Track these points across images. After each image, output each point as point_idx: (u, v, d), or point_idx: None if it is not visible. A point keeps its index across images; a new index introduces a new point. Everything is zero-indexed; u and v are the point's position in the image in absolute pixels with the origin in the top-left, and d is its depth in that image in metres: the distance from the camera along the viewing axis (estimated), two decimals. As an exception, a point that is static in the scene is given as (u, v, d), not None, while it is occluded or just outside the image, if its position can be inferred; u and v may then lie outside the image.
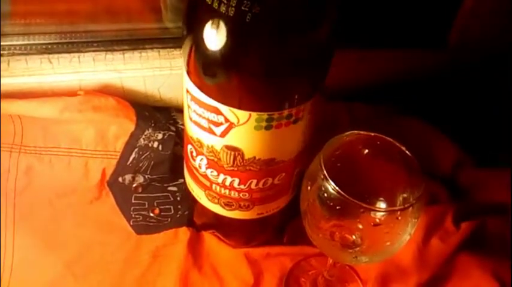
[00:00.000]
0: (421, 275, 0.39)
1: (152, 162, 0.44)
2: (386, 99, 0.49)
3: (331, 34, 0.30)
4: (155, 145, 0.44)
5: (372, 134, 0.31)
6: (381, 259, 0.32)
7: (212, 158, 0.33)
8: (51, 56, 0.45)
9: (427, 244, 0.40)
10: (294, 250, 0.42)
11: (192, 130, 0.33)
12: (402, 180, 0.31)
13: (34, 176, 0.43)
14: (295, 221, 0.41)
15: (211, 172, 0.34)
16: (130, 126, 0.45)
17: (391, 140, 0.31)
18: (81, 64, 0.45)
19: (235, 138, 0.31)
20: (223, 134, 0.31)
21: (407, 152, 0.30)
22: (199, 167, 0.35)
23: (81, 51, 0.45)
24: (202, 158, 0.34)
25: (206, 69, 0.28)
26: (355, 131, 0.31)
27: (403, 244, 0.31)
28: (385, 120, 0.48)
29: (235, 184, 0.34)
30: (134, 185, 0.44)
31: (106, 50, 0.45)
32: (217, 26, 0.26)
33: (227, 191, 0.35)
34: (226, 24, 0.26)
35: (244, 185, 0.34)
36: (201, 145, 0.33)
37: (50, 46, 0.45)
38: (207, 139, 0.32)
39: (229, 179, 0.34)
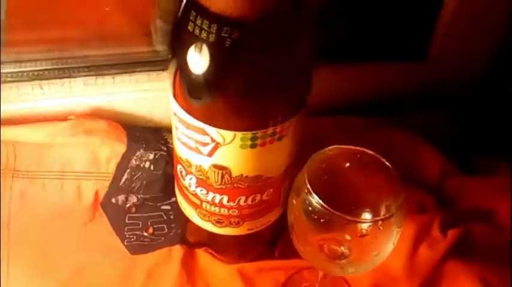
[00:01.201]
0: (411, 284, 0.40)
1: (144, 182, 0.45)
2: (373, 112, 0.51)
3: (311, 53, 0.31)
4: (147, 165, 0.45)
5: (353, 147, 0.32)
6: (366, 270, 0.33)
7: (201, 177, 0.34)
8: (42, 82, 0.46)
9: (416, 252, 0.41)
10: (287, 263, 0.42)
11: (180, 151, 0.34)
12: (385, 190, 0.32)
13: (28, 200, 0.44)
14: (286, 235, 0.42)
15: (201, 190, 0.35)
16: (122, 148, 0.46)
17: (372, 152, 0.32)
18: (72, 89, 0.47)
19: (222, 157, 0.32)
20: (210, 153, 0.32)
21: (387, 163, 0.31)
22: (189, 186, 0.35)
23: (72, 77, 0.46)
24: (191, 177, 0.35)
25: (190, 92, 0.30)
26: (338, 146, 0.32)
27: (387, 253, 0.32)
28: (373, 132, 0.50)
29: (225, 202, 0.35)
30: (128, 206, 0.45)
31: (96, 75, 0.46)
32: (200, 52, 0.28)
33: (217, 209, 0.36)
34: (207, 49, 0.27)
35: (234, 203, 0.35)
36: (190, 165, 0.34)
37: (41, 72, 0.46)
38: (195, 159, 0.33)
39: (218, 197, 0.35)
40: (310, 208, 0.30)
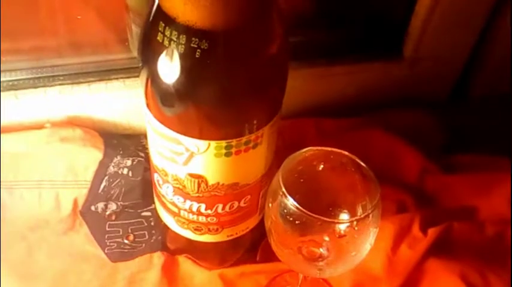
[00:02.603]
0: (392, 283, 0.40)
1: (123, 189, 0.45)
2: (351, 113, 0.51)
3: (282, 61, 0.31)
4: (125, 171, 0.45)
5: (328, 149, 0.32)
6: (343, 270, 0.33)
7: (177, 186, 0.34)
8: (17, 92, 0.45)
9: (396, 251, 0.41)
10: (268, 267, 0.42)
11: (156, 160, 0.34)
12: (360, 190, 0.32)
13: (6, 211, 0.43)
14: (267, 239, 0.42)
15: (178, 198, 0.35)
16: (99, 155, 0.46)
17: (346, 153, 0.32)
18: (48, 98, 0.46)
19: (197, 166, 0.32)
20: (185, 162, 0.32)
21: (361, 163, 0.31)
22: (167, 194, 0.35)
23: (48, 86, 0.46)
24: (168, 186, 0.35)
25: (162, 101, 0.29)
26: (312, 147, 0.32)
27: (365, 253, 0.32)
28: (351, 133, 0.50)
29: (202, 210, 0.35)
30: (107, 213, 0.44)
31: (72, 83, 0.46)
32: (169, 62, 0.27)
33: (195, 217, 0.36)
34: (177, 60, 0.27)
35: (211, 210, 0.35)
36: (166, 174, 0.34)
37: (16, 82, 0.46)
38: (171, 168, 0.33)
39: (195, 205, 0.35)
40: (285, 211, 0.30)
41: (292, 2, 0.48)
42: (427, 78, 0.51)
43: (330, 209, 0.35)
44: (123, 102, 0.47)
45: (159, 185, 0.36)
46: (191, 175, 0.32)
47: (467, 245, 0.43)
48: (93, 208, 0.44)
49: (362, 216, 0.30)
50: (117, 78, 0.46)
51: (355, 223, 0.30)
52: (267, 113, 0.32)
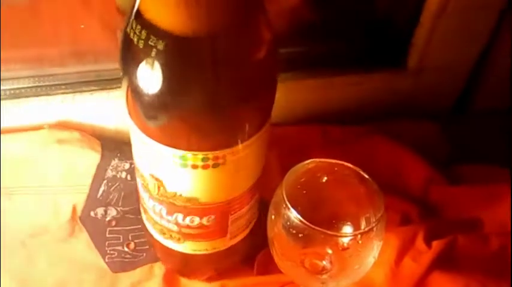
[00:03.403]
0: (396, 296, 0.40)
1: (122, 193, 0.44)
2: (355, 123, 0.50)
3: (268, 71, 0.29)
4: (123, 175, 0.45)
5: (332, 161, 0.32)
6: (347, 283, 0.33)
7: (143, 182, 0.34)
8: (20, 100, 0.45)
9: (400, 264, 0.41)
10: (270, 279, 0.41)
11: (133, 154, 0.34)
12: (364, 203, 0.32)
13: (5, 218, 0.43)
14: (265, 252, 0.42)
15: (145, 195, 0.35)
16: (96, 158, 0.45)
17: (350, 165, 0.32)
18: (50, 107, 0.46)
19: (157, 169, 0.31)
20: (148, 162, 0.32)
21: (365, 175, 0.31)
22: (139, 189, 0.35)
23: (49, 94, 0.46)
24: (138, 181, 0.35)
25: (140, 105, 0.29)
26: (316, 159, 0.32)
27: (369, 267, 0.31)
28: (356, 142, 0.49)
29: (164, 214, 0.34)
30: (107, 219, 0.44)
31: (74, 92, 0.46)
32: (149, 69, 0.26)
33: (158, 219, 0.35)
34: (156, 66, 0.26)
35: (171, 217, 0.34)
36: (137, 169, 0.34)
37: (18, 91, 0.46)
38: (138, 163, 0.33)
39: (158, 207, 0.34)
40: (288, 223, 0.30)
41: (296, 12, 0.48)
42: (430, 90, 0.51)
43: (333, 221, 0.34)
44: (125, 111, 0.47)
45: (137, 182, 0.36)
46: (152, 176, 0.32)
47: (472, 258, 0.42)
48: (92, 213, 0.44)
49: (366, 229, 0.29)
50: (119, 87, 0.46)
51: (359, 236, 0.29)
52: (226, 136, 0.30)
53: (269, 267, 0.41)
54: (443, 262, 0.41)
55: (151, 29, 0.26)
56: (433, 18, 0.46)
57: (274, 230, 0.32)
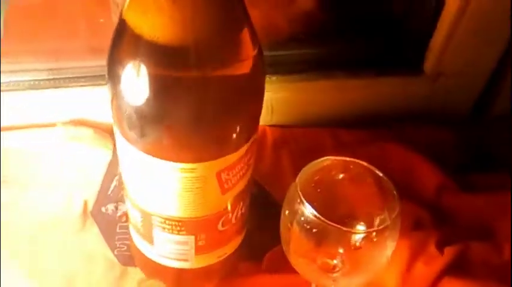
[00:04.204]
0: (406, 300, 0.39)
1: (133, 190, 0.44)
2: (368, 127, 0.50)
3: (253, 83, 0.29)
4: (134, 172, 0.45)
5: (347, 159, 0.32)
6: (359, 282, 0.32)
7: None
8: (38, 91, 0.46)
9: (411, 268, 0.40)
10: (279, 278, 0.41)
11: None
12: (379, 203, 0.32)
13: (18, 210, 0.43)
14: (275, 250, 0.41)
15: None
16: (108, 155, 0.46)
17: (365, 164, 0.31)
18: (68, 99, 0.47)
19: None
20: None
21: (380, 174, 0.31)
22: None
23: (68, 87, 0.46)
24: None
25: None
26: (331, 157, 0.32)
27: (381, 267, 0.31)
28: (369, 145, 0.49)
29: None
30: (118, 215, 0.44)
31: (92, 85, 0.46)
32: (133, 80, 0.26)
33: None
34: (145, 75, 0.26)
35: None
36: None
37: (37, 82, 0.46)
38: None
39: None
40: (302, 219, 0.30)
41: (313, 15, 0.48)
42: (447, 95, 0.51)
43: (346, 220, 0.34)
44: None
45: None
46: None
47: (484, 266, 0.41)
48: (103, 209, 0.44)
49: (381, 227, 0.29)
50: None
51: (374, 234, 0.29)
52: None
53: (278, 266, 0.41)
54: (455, 268, 0.40)
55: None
56: (452, 22, 0.46)
57: (288, 225, 0.31)
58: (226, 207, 0.33)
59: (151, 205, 0.32)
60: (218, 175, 0.30)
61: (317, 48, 0.48)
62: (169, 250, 0.35)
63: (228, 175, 0.31)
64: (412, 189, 0.47)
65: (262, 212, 0.41)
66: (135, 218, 0.35)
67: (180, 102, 0.27)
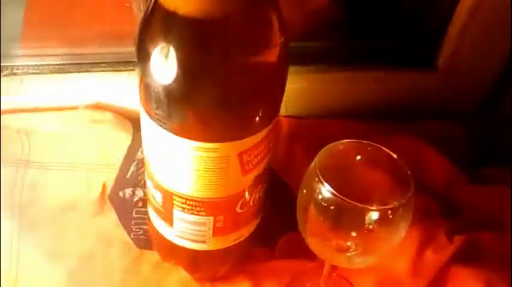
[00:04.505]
0: (415, 286, 0.40)
1: (151, 175, 0.46)
2: (380, 117, 0.51)
3: (280, 63, 0.30)
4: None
5: (363, 141, 0.33)
6: (373, 261, 0.33)
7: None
8: (60, 75, 0.47)
9: (421, 256, 0.41)
10: (292, 264, 0.42)
11: None
12: (393, 184, 0.33)
13: (39, 191, 0.45)
14: (287, 238, 0.43)
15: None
16: (128, 140, 0.47)
17: (380, 146, 0.32)
18: (89, 84, 0.48)
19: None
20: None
21: (395, 156, 0.32)
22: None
23: (89, 71, 0.47)
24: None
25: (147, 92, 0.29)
26: (348, 140, 0.33)
27: (395, 245, 0.32)
28: (380, 137, 0.50)
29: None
30: (135, 200, 0.45)
31: (114, 71, 0.47)
32: (164, 58, 0.27)
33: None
34: (172, 55, 0.27)
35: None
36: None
37: (59, 67, 0.47)
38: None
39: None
40: (320, 197, 0.31)
41: (327, 8, 0.49)
42: (459, 90, 0.51)
43: (361, 203, 0.35)
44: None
45: None
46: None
47: (493, 255, 0.42)
48: (121, 193, 0.45)
49: (396, 205, 0.30)
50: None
51: (389, 212, 0.30)
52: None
53: (290, 252, 0.42)
54: (464, 257, 0.41)
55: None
56: (466, 18, 0.46)
57: (305, 205, 0.32)
58: (246, 189, 0.34)
59: (174, 184, 0.33)
60: (240, 156, 0.31)
61: (332, 41, 0.49)
62: (188, 231, 0.36)
63: (249, 156, 0.32)
64: (422, 181, 0.48)
65: (276, 200, 0.42)
66: (156, 199, 0.36)
67: (207, 82, 0.28)
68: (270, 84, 0.30)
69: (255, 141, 0.31)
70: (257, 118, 0.30)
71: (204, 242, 0.37)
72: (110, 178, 0.46)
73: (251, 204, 0.36)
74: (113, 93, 0.48)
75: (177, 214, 0.35)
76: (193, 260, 0.40)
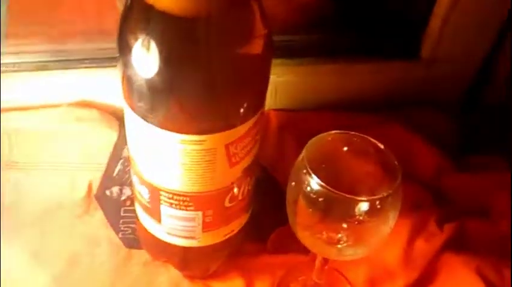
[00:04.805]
0: (408, 276, 0.40)
1: (139, 173, 0.45)
2: (367, 111, 0.51)
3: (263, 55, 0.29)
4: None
5: (350, 132, 0.33)
6: (364, 252, 0.33)
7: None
8: (43, 73, 0.46)
9: (412, 245, 0.41)
10: (284, 258, 0.42)
11: None
12: (381, 175, 0.33)
13: (22, 192, 0.44)
14: (279, 231, 0.42)
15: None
16: (114, 137, 0.46)
17: (368, 137, 0.32)
18: (73, 81, 0.47)
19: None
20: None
21: (381, 146, 0.32)
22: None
23: (74, 68, 0.47)
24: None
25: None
26: (336, 131, 0.33)
27: (385, 236, 0.32)
28: (369, 128, 0.50)
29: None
30: (122, 199, 0.44)
31: (97, 67, 0.46)
32: (145, 52, 0.27)
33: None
34: (152, 50, 0.26)
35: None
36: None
37: (41, 64, 0.46)
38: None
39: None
40: (308, 188, 0.30)
41: (315, 2, 0.49)
42: (443, 80, 0.52)
43: (350, 194, 0.35)
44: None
45: None
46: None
47: (483, 241, 0.43)
48: (107, 192, 0.45)
49: (385, 195, 0.30)
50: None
51: (377, 202, 0.30)
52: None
53: (283, 247, 0.42)
54: (455, 245, 0.42)
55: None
56: (447, 9, 0.47)
57: (294, 197, 0.32)
58: (234, 182, 0.34)
59: (160, 179, 0.33)
60: (227, 148, 0.31)
61: (320, 34, 0.49)
62: (177, 227, 0.36)
63: (236, 148, 0.31)
64: (410, 171, 0.48)
65: (266, 195, 0.42)
66: (142, 195, 0.35)
67: (190, 73, 0.27)
68: (253, 74, 0.30)
69: (241, 132, 0.31)
70: (241, 109, 0.30)
71: (193, 238, 0.37)
72: (96, 176, 0.45)
73: (240, 198, 0.36)
74: (98, 90, 0.48)
75: (165, 209, 0.35)
76: (184, 258, 0.39)
